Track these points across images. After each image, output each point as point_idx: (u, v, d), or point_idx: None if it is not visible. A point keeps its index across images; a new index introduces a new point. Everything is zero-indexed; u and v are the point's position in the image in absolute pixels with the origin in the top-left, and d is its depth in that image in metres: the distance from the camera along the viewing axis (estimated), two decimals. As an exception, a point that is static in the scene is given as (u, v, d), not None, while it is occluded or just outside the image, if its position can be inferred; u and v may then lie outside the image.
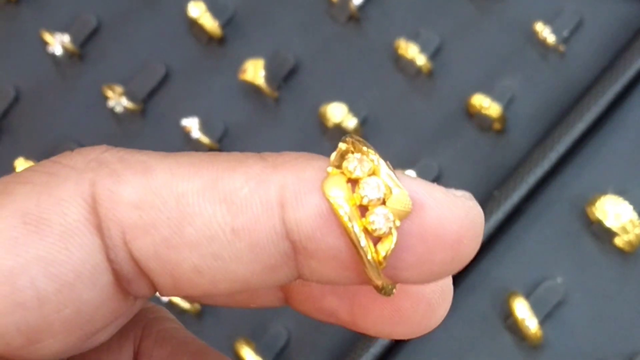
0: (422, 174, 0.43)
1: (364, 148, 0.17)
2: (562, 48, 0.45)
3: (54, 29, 0.47)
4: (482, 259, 0.41)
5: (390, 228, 0.16)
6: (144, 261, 0.17)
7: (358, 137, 0.17)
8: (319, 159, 0.17)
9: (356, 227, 0.16)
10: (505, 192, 0.41)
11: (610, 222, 0.39)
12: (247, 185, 0.16)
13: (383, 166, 0.17)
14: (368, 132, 0.45)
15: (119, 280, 0.17)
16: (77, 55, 0.48)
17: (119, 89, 0.46)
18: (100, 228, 0.17)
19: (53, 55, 0.47)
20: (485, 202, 0.41)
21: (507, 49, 0.45)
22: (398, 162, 0.44)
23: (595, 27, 0.45)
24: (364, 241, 0.16)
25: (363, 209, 0.16)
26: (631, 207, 0.39)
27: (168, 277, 0.17)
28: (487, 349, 0.40)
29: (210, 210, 0.16)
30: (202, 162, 0.17)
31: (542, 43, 0.45)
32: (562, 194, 0.41)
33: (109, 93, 0.46)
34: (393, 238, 0.16)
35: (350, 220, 0.16)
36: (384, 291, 0.17)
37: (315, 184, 0.16)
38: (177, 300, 0.41)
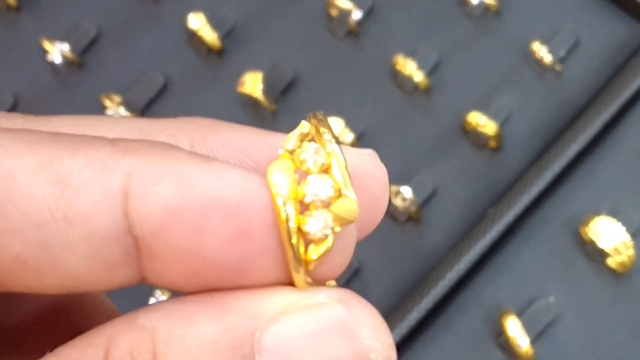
0: (417, 190, 0.44)
1: (325, 136, 0.15)
2: (558, 68, 0.45)
3: (54, 37, 0.48)
4: (475, 277, 0.41)
5: (327, 235, 0.15)
6: None
7: (323, 117, 0.16)
8: (177, 149, 0.15)
9: (292, 225, 0.15)
10: (499, 210, 0.41)
11: (603, 243, 0.40)
12: (88, 168, 0.14)
13: (339, 161, 0.15)
14: (364, 147, 0.45)
15: None
16: (76, 64, 0.48)
17: (117, 98, 0.46)
18: None
19: (52, 64, 0.48)
20: (480, 220, 0.42)
21: (504, 68, 0.46)
22: (394, 178, 0.44)
23: (591, 47, 0.45)
24: (294, 241, 0.15)
25: (303, 205, 0.15)
26: (624, 228, 0.40)
27: None
28: (479, 366, 0.40)
29: (40, 192, 0.14)
30: (42, 140, 0.15)
31: (539, 62, 0.45)
32: (556, 213, 0.42)
33: (107, 102, 0.46)
34: (328, 243, 0.15)
35: (286, 216, 0.15)
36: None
37: (166, 174, 0.15)
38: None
